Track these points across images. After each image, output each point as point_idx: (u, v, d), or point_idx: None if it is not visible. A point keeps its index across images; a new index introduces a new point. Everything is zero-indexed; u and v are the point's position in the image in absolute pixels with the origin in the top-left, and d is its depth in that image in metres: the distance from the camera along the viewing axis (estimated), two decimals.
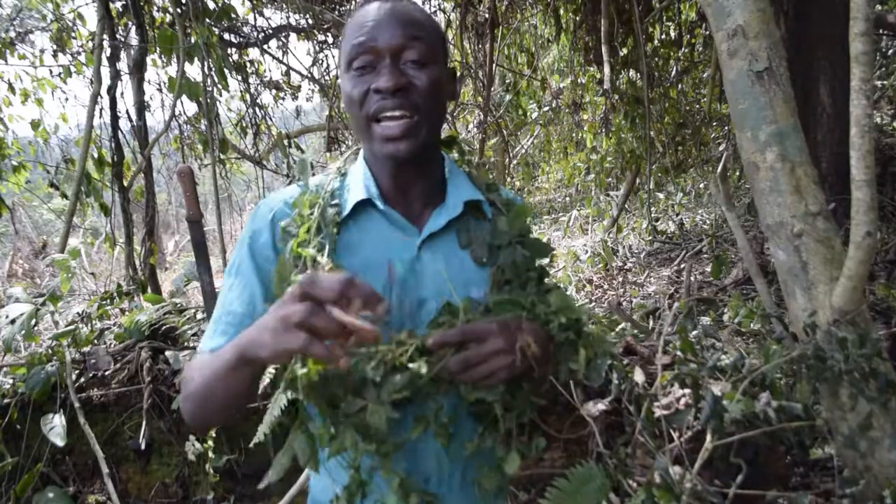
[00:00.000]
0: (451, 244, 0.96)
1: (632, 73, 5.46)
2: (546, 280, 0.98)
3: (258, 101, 4.46)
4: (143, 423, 2.31)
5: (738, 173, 6.19)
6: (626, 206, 6.74)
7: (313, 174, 1.03)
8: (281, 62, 4.69)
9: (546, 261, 0.99)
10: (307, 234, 0.89)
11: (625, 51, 5.30)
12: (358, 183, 0.96)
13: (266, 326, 0.73)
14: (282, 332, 0.70)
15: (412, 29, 0.88)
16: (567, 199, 9.68)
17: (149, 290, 3.28)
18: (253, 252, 0.95)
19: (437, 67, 0.91)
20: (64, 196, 3.41)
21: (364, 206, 0.95)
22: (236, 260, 0.97)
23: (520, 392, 0.86)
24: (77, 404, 2.28)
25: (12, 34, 4.25)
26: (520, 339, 0.80)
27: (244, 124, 4.33)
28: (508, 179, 7.83)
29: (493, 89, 5.67)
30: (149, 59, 3.78)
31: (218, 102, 3.47)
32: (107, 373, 2.44)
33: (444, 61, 0.95)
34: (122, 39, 3.59)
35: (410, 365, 0.79)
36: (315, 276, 0.70)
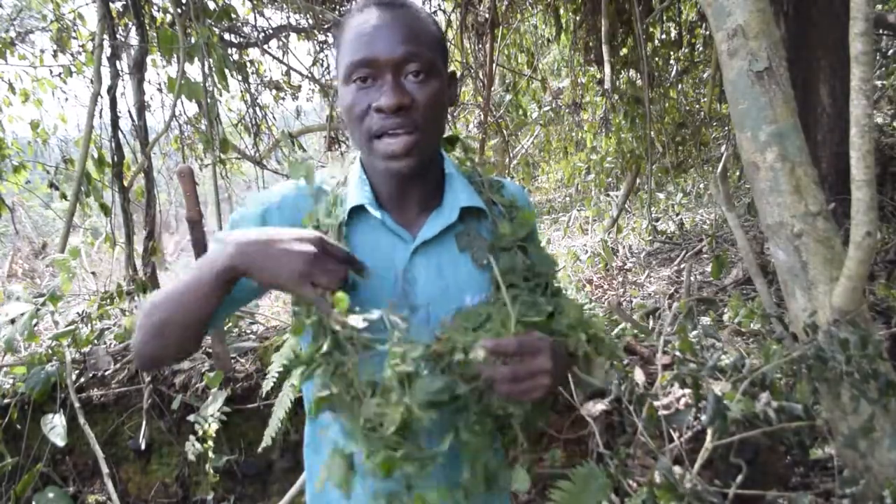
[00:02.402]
0: (447, 249, 0.95)
1: (632, 72, 5.46)
2: (553, 285, 0.97)
3: (258, 101, 4.46)
4: (143, 423, 2.31)
5: (738, 173, 6.19)
6: (626, 206, 6.73)
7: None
8: (281, 62, 4.69)
9: (551, 267, 0.98)
10: None
11: (625, 51, 5.30)
12: (354, 188, 0.95)
13: (283, 255, 0.78)
14: (304, 281, 0.77)
15: (413, 41, 0.86)
16: (567, 199, 9.68)
17: (149, 290, 3.28)
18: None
19: (439, 79, 0.89)
20: (64, 196, 3.41)
21: (360, 210, 0.94)
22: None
23: (539, 407, 0.86)
24: (77, 404, 2.28)
25: (12, 34, 4.25)
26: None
27: (244, 124, 4.32)
28: (508, 179, 7.82)
29: (493, 89, 5.67)
30: (149, 59, 3.78)
31: (218, 102, 3.47)
32: (107, 373, 2.44)
33: (445, 67, 0.94)
34: (123, 39, 3.59)
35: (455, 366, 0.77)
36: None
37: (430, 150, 0.92)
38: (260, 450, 2.21)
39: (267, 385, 2.24)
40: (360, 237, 0.93)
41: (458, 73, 4.95)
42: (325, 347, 0.81)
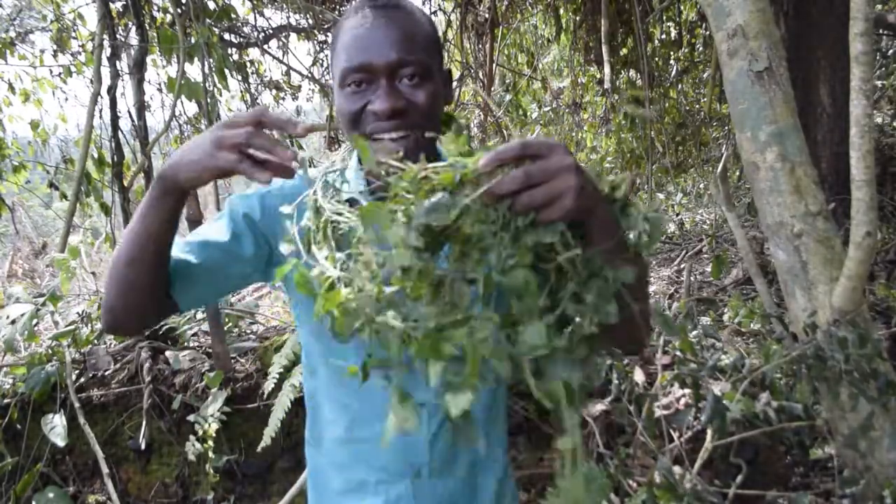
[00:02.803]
0: None
1: (632, 72, 5.46)
2: None
3: (258, 101, 4.46)
4: (143, 423, 2.31)
5: (738, 173, 6.19)
6: None
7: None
8: (281, 62, 4.69)
9: None
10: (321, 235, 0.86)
11: (625, 51, 5.30)
12: (352, 179, 0.97)
13: (197, 146, 0.77)
14: (215, 151, 0.75)
15: (407, 44, 0.86)
16: None
17: None
18: (234, 219, 0.96)
19: (433, 81, 0.89)
20: (64, 196, 3.41)
21: (354, 202, 0.94)
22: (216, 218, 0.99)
23: (590, 260, 0.63)
24: (77, 404, 2.28)
25: (12, 34, 4.25)
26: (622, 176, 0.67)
27: None
28: None
29: (493, 89, 5.67)
30: (149, 59, 3.78)
31: (218, 102, 3.47)
32: (107, 373, 2.44)
33: (440, 67, 0.94)
34: (123, 39, 3.59)
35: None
36: (265, 108, 0.77)
37: (424, 151, 0.92)
38: (260, 449, 2.21)
39: (268, 386, 2.25)
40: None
41: (458, 73, 4.95)
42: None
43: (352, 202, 0.94)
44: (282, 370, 2.22)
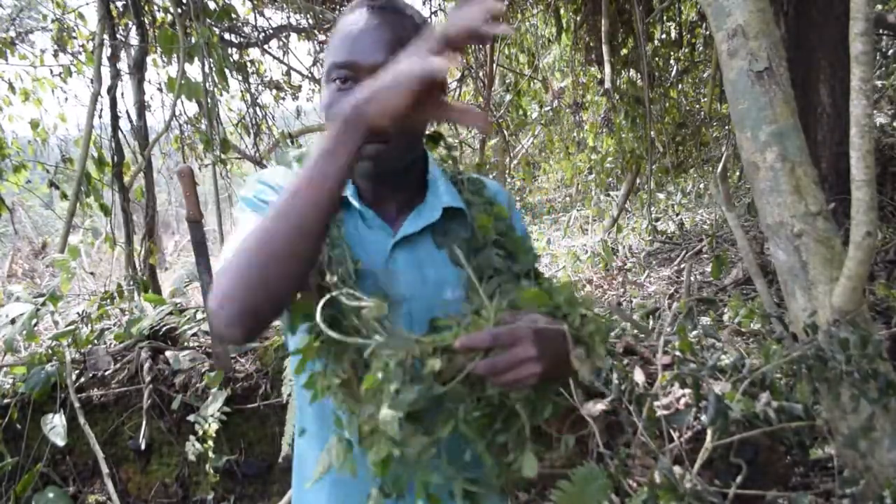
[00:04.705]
0: (427, 246, 0.96)
1: (632, 72, 5.47)
2: (539, 273, 0.98)
3: (258, 101, 4.46)
4: (143, 423, 2.31)
5: (738, 173, 6.19)
6: (627, 206, 6.74)
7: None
8: (281, 62, 4.69)
9: (532, 261, 0.99)
10: None
11: (625, 51, 5.30)
12: None
13: (383, 76, 0.69)
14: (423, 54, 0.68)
15: (395, 47, 0.84)
16: (567, 199, 9.68)
17: (150, 290, 3.28)
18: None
19: None
20: (64, 196, 3.41)
21: (344, 202, 0.94)
22: (254, 205, 0.90)
23: (544, 392, 0.84)
24: (77, 404, 2.28)
25: (12, 34, 4.25)
26: (571, 354, 0.79)
27: (244, 124, 4.33)
28: (509, 179, 7.83)
29: (493, 89, 5.67)
30: (149, 59, 3.78)
31: (218, 102, 3.47)
32: (107, 373, 2.44)
33: None
34: (123, 39, 3.59)
35: (435, 362, 0.75)
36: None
37: (404, 156, 0.92)
38: (281, 459, 2.22)
39: (286, 390, 2.25)
40: (346, 228, 0.94)
41: (459, 73, 4.95)
42: (322, 334, 0.79)
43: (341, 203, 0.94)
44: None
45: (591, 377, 0.88)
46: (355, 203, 0.94)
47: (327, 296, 0.80)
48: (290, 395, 2.25)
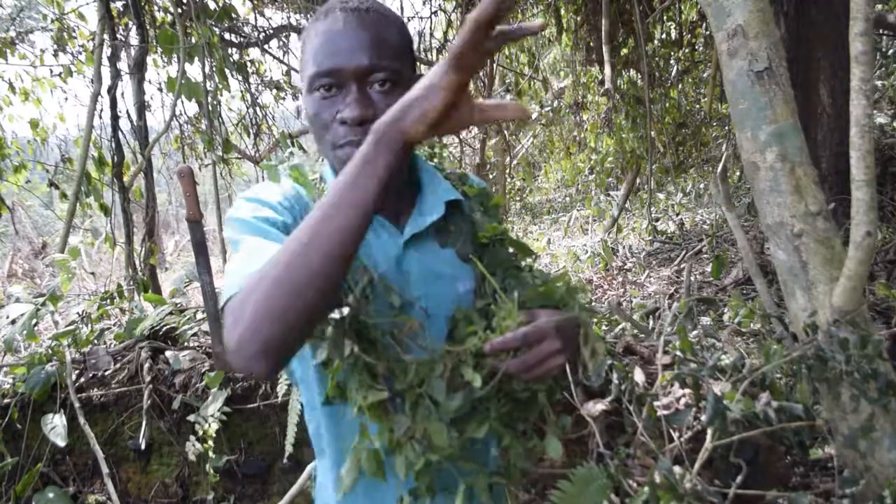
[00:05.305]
0: (432, 242, 0.96)
1: (632, 72, 5.47)
2: (533, 266, 1.00)
3: (259, 101, 4.46)
4: (143, 423, 2.31)
5: (738, 173, 6.19)
6: (627, 206, 6.74)
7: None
8: (282, 62, 4.69)
9: (530, 260, 1.01)
10: None
11: (625, 51, 5.30)
12: (329, 181, 0.96)
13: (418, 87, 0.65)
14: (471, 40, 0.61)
15: (378, 50, 0.84)
16: (567, 199, 9.68)
17: (150, 290, 3.28)
18: (276, 208, 0.89)
19: (405, 88, 0.83)
20: (64, 196, 3.41)
21: None
22: (249, 222, 0.86)
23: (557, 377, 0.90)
24: (77, 404, 2.28)
25: (12, 34, 4.25)
26: (584, 344, 0.84)
27: (245, 124, 4.33)
28: (509, 179, 7.83)
29: (493, 89, 5.67)
30: (149, 59, 3.79)
31: (218, 102, 3.47)
32: (107, 373, 2.44)
33: (413, 72, 0.91)
34: (123, 39, 3.59)
35: (475, 376, 0.79)
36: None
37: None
38: (286, 460, 2.22)
39: (281, 389, 2.25)
40: None
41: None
42: (352, 350, 0.81)
43: None
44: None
45: (600, 361, 0.92)
46: None
47: (347, 312, 0.81)
48: (285, 394, 2.25)
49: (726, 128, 5.96)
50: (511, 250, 0.99)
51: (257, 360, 0.64)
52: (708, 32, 5.01)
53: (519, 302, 0.86)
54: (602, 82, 5.02)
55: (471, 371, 0.79)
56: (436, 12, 4.95)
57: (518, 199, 9.40)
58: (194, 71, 3.85)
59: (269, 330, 0.63)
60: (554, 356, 0.80)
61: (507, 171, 7.60)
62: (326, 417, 0.96)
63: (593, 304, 4.21)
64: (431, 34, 4.86)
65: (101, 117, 3.42)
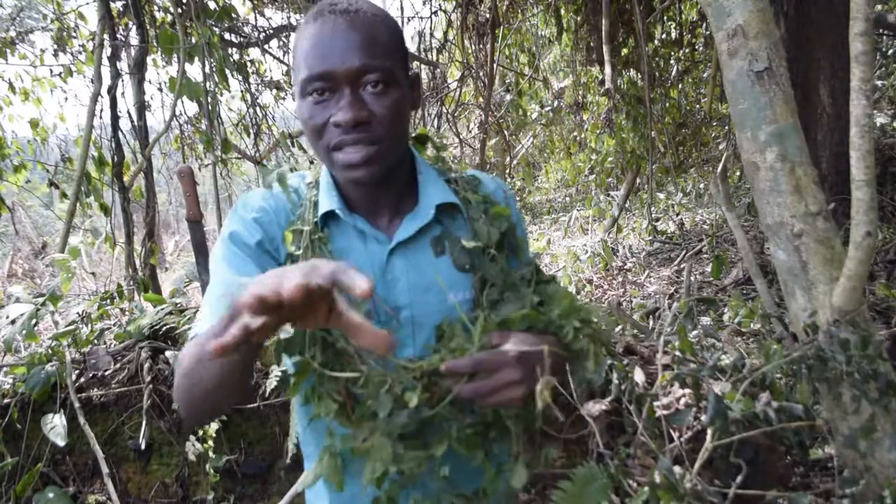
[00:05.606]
0: (426, 249, 0.94)
1: (633, 72, 5.47)
2: (542, 274, 0.96)
3: (259, 101, 4.46)
4: (143, 423, 2.31)
5: (738, 173, 6.19)
6: (627, 206, 6.73)
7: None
8: (282, 62, 4.69)
9: (535, 259, 0.99)
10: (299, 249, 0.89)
11: (626, 51, 5.30)
12: (324, 194, 0.94)
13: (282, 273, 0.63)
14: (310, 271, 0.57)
15: (370, 51, 0.83)
16: (567, 199, 9.68)
17: (150, 290, 3.28)
18: (237, 247, 0.91)
19: (398, 88, 0.86)
20: (64, 196, 3.41)
21: (333, 215, 0.92)
22: (224, 253, 0.91)
23: (532, 405, 0.85)
24: (77, 404, 2.28)
25: (12, 34, 4.25)
26: (539, 381, 0.79)
27: (245, 124, 4.33)
28: (509, 179, 7.83)
29: (493, 89, 5.67)
30: (149, 59, 3.78)
31: (219, 102, 3.47)
32: (107, 373, 2.44)
33: (406, 72, 0.90)
34: (123, 39, 3.59)
35: (412, 396, 0.78)
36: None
37: (391, 159, 0.89)
38: (288, 460, 2.22)
39: (270, 384, 2.25)
40: (337, 243, 0.92)
41: (459, 73, 4.95)
42: (317, 359, 0.81)
43: (329, 215, 0.93)
44: (285, 369, 2.22)
45: (590, 379, 0.91)
46: (343, 215, 0.91)
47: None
48: (275, 388, 2.25)
49: (726, 128, 5.96)
50: (509, 255, 0.97)
51: (186, 420, 0.87)
52: (708, 32, 5.01)
53: (500, 322, 0.84)
54: (602, 82, 5.02)
55: (410, 392, 0.78)
56: (436, 12, 4.95)
57: (518, 199, 9.39)
58: (194, 71, 3.86)
59: (185, 410, 0.81)
60: (510, 387, 0.78)
61: (507, 171, 7.60)
62: (307, 418, 0.98)
63: (592, 301, 4.21)
64: (431, 34, 4.86)
65: (101, 117, 3.42)
